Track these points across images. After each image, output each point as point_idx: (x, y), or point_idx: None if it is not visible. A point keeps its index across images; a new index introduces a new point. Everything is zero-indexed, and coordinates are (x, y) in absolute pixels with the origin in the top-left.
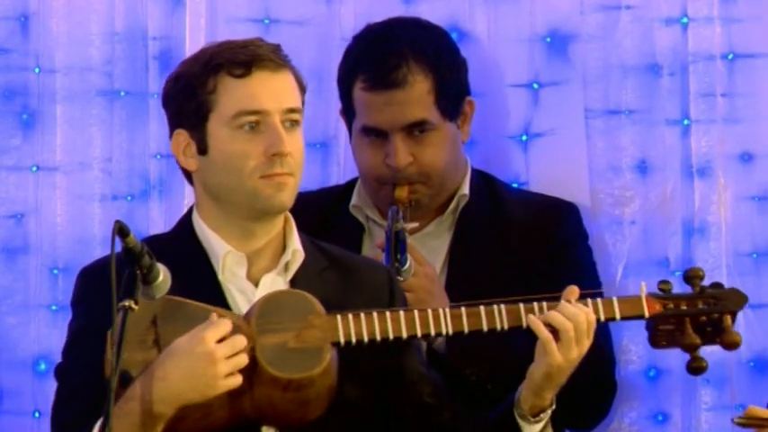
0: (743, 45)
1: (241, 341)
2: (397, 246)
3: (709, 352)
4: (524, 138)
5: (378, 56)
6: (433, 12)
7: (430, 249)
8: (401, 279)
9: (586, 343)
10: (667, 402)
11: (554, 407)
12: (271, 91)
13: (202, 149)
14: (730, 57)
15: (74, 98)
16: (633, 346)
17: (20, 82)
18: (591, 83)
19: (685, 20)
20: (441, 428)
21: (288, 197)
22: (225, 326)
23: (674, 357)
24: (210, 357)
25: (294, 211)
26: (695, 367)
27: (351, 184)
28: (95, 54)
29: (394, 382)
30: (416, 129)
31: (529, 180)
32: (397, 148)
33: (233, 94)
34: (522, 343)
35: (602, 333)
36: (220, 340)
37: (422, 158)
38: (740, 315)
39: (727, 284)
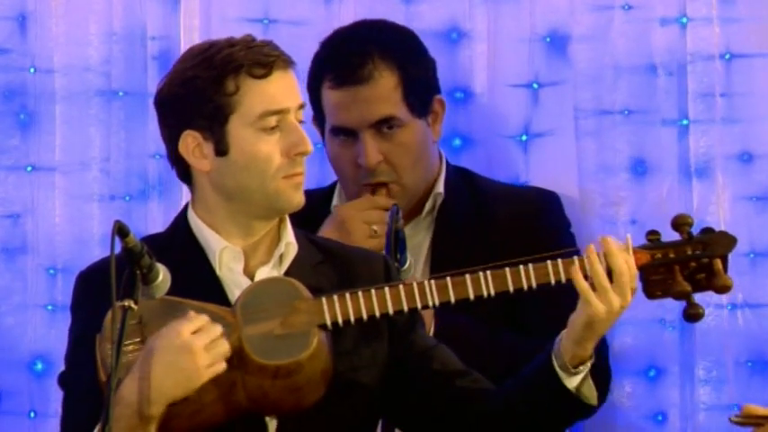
0: (742, 45)
1: (216, 329)
2: (396, 245)
3: (706, 352)
4: (524, 138)
5: (343, 55)
6: (433, 12)
7: (410, 250)
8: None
9: (629, 293)
10: (667, 402)
11: (593, 360)
12: (287, 89)
13: (222, 151)
14: (729, 57)
15: (72, 98)
16: (632, 347)
17: (18, 82)
18: (590, 83)
19: (684, 20)
20: (462, 396)
21: (303, 196)
22: (199, 319)
23: (674, 357)
24: (188, 348)
25: None
26: (692, 314)
27: (332, 186)
28: (94, 54)
29: (403, 362)
30: (385, 125)
31: (528, 180)
32: (366, 147)
33: (256, 96)
34: (507, 342)
35: None
36: (196, 332)
37: (392, 156)
38: (738, 315)
39: None
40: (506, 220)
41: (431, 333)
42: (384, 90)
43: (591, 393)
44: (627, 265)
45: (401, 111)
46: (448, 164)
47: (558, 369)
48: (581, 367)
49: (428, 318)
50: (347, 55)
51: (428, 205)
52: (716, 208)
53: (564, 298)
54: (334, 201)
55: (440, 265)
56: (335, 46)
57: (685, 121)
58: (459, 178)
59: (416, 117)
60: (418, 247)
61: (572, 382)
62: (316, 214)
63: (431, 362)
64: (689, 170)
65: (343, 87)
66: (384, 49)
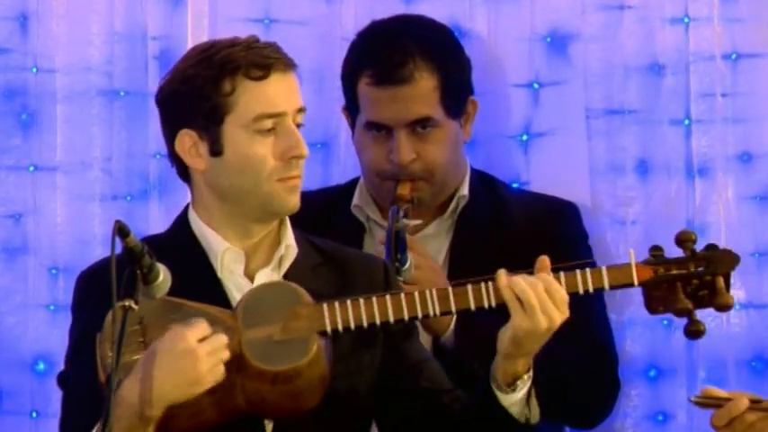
0: (743, 45)
1: (222, 339)
2: (397, 245)
3: (709, 352)
4: (524, 138)
5: (384, 52)
6: (434, 11)
7: (430, 250)
8: (401, 279)
9: (556, 314)
10: (668, 402)
11: (530, 374)
12: (286, 92)
13: (216, 151)
14: (731, 57)
15: (74, 98)
16: (634, 347)
17: (19, 82)
18: (591, 83)
19: (686, 19)
20: (438, 413)
21: (298, 199)
22: (204, 326)
23: (675, 358)
24: (193, 355)
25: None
26: (693, 331)
27: (352, 184)
28: (95, 54)
29: (391, 370)
30: (420, 125)
31: (529, 180)
32: (400, 145)
33: (252, 97)
34: None
35: (604, 331)
36: (202, 340)
37: (425, 155)
38: (742, 314)
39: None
40: (524, 227)
41: (451, 327)
42: (423, 91)
43: (533, 412)
44: (544, 288)
45: (437, 112)
46: (471, 167)
47: (494, 389)
48: (518, 383)
49: None
50: (388, 52)
51: (451, 206)
52: (717, 208)
53: (576, 304)
54: (355, 200)
55: (458, 267)
56: (376, 41)
57: (687, 121)
58: (481, 182)
59: (451, 118)
60: (438, 249)
61: (509, 400)
62: (333, 213)
63: (419, 376)
64: (691, 170)
65: (382, 85)
66: (425, 49)
